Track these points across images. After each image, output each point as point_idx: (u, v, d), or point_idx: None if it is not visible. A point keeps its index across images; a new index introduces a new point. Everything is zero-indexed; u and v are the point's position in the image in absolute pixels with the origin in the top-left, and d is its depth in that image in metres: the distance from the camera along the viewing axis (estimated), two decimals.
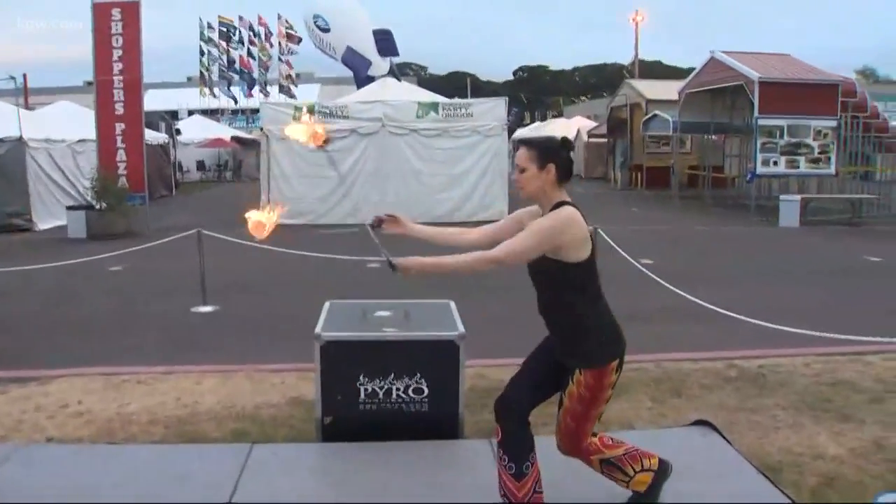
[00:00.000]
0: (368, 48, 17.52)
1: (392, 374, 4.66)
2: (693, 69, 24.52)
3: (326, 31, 18.18)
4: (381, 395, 4.69)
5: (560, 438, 3.72)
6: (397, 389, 4.68)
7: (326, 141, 4.14)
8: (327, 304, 5.30)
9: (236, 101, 46.64)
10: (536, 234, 3.37)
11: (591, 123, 40.48)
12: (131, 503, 4.06)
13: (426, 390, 4.67)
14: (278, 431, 5.22)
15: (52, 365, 6.89)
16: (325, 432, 4.76)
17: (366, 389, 4.68)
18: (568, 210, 3.42)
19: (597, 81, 72.65)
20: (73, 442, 5.12)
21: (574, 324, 3.56)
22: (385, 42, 17.73)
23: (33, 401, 5.93)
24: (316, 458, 4.71)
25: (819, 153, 19.65)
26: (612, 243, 8.64)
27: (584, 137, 37.80)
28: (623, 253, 8.69)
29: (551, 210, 3.49)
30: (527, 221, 3.56)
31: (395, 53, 17.99)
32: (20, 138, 17.55)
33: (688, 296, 7.76)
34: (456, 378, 4.67)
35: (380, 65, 17.60)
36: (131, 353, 7.33)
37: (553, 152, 3.49)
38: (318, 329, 4.76)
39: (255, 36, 46.46)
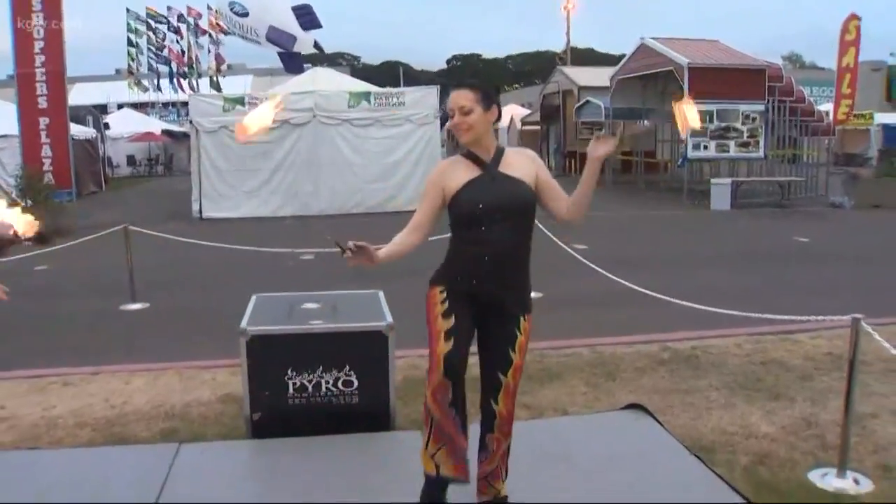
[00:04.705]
0: (290, 25, 17.26)
1: (320, 368, 4.58)
2: (624, 56, 24.74)
3: (245, 15, 17.83)
4: (310, 389, 4.60)
5: (507, 403, 3.61)
6: (326, 382, 4.60)
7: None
8: (254, 298, 5.21)
9: (163, 93, 45.69)
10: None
11: (525, 111, 40.61)
12: None
13: (356, 382, 4.61)
14: (208, 429, 5.09)
15: None
16: (254, 429, 4.66)
17: (294, 384, 4.59)
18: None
19: (530, 69, 72.97)
20: None
21: (526, 267, 3.55)
22: (306, 17, 17.46)
23: None
24: (245, 455, 4.61)
25: (748, 137, 19.98)
26: (544, 229, 8.64)
27: (518, 125, 37.89)
28: (555, 239, 8.69)
29: (496, 155, 3.49)
30: (446, 188, 3.48)
31: (319, 26, 17.73)
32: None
33: (621, 280, 7.79)
34: (386, 369, 4.61)
35: (304, 39, 17.32)
36: (58, 354, 7.09)
37: (495, 94, 3.48)
38: (243, 323, 4.65)
39: (184, 27, 45.55)
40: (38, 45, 17.64)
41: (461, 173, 3.48)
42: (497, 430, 3.63)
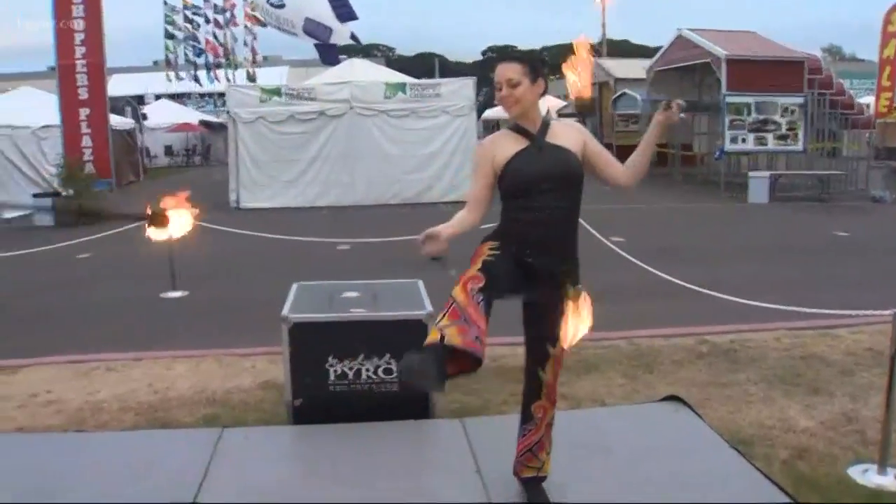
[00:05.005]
0: (327, 16, 17.34)
1: (361, 355, 4.63)
2: (661, 47, 24.54)
3: (281, 7, 17.95)
4: (350, 377, 4.65)
5: (553, 371, 3.65)
6: (367, 370, 4.65)
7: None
8: (295, 287, 5.25)
9: (201, 84, 46.02)
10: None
11: (560, 102, 40.42)
12: (100, 490, 4.02)
13: (396, 370, 4.64)
14: (249, 415, 5.17)
15: (19, 354, 6.77)
16: (295, 415, 4.72)
17: (335, 371, 4.64)
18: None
19: (566, 60, 72.45)
20: (44, 431, 5.05)
21: (575, 239, 3.57)
22: (342, 8, 17.52)
23: (1, 391, 5.83)
24: (287, 440, 4.68)
25: (787, 130, 19.73)
26: (581, 221, 8.63)
27: (554, 116, 37.66)
28: (593, 231, 8.69)
29: (542, 127, 3.51)
30: (495, 159, 3.49)
31: (354, 17, 17.79)
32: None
33: (659, 272, 7.79)
34: None
35: (341, 31, 17.39)
36: (101, 341, 7.21)
37: (541, 66, 3.49)
38: (285, 311, 4.71)
39: (220, 18, 45.81)
40: (79, 38, 17.88)
41: (509, 145, 3.50)
42: (544, 398, 3.68)
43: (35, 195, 17.20)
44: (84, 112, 18.04)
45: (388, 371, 4.64)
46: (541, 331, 3.62)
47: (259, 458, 4.38)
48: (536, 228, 3.44)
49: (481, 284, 3.21)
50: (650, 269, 7.81)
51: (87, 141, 18.02)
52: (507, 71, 3.42)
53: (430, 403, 4.75)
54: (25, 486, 4.05)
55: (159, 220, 3.32)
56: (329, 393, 4.67)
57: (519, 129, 3.53)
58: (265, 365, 6.17)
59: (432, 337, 3.13)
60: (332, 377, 4.65)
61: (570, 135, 3.55)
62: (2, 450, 4.61)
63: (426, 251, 3.33)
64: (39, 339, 7.47)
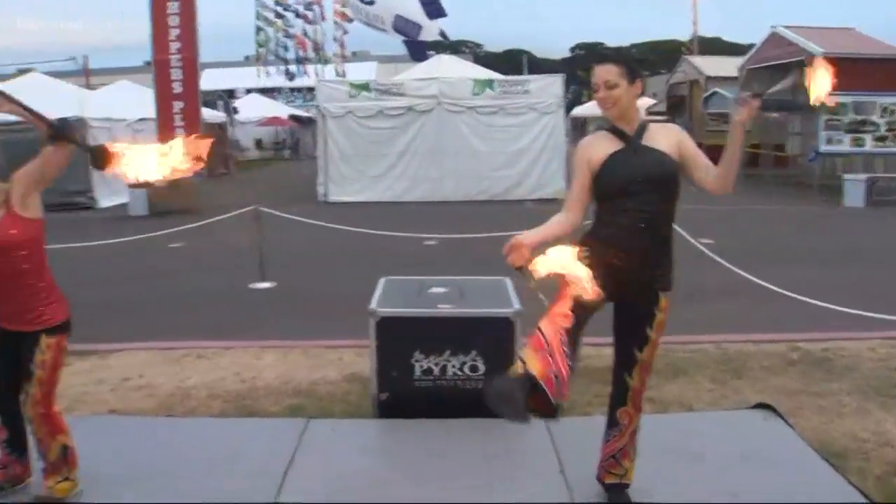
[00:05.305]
0: (416, 13, 17.45)
1: (448, 351, 4.65)
2: (753, 45, 23.97)
3: (371, 3, 18.13)
4: (436, 372, 4.67)
5: (641, 377, 3.60)
6: (453, 366, 4.66)
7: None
8: (382, 281, 5.30)
9: (292, 79, 46.76)
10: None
11: (650, 101, 39.86)
12: (186, 475, 4.13)
13: (482, 368, 4.65)
14: (335, 407, 5.24)
15: (114, 339, 7.00)
16: (380, 408, 4.77)
17: (421, 366, 4.67)
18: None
19: (655, 58, 71.50)
20: (135, 414, 5.22)
21: (668, 243, 3.54)
22: (432, 5, 17.61)
23: (95, 374, 6.04)
24: (372, 433, 4.73)
25: (886, 131, 19.07)
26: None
27: (643, 115, 37.21)
28: (682, 231, 8.53)
29: (639, 129, 3.49)
30: (591, 161, 3.48)
31: (444, 14, 17.86)
32: (81, 118, 17.82)
33: (749, 276, 7.60)
34: (512, 356, 4.60)
35: (430, 28, 17.49)
36: (192, 329, 7.41)
37: (639, 67, 3.50)
38: (372, 305, 4.76)
39: (311, 14, 46.43)
40: (174, 33, 18.35)
41: (605, 147, 3.49)
42: (630, 403, 3.64)
43: (130, 185, 17.72)
44: (178, 105, 18.51)
45: (473, 368, 4.64)
46: (629, 335, 3.59)
47: (344, 450, 4.44)
48: (629, 232, 3.41)
49: (570, 325, 3.22)
50: (740, 271, 7.63)
51: (179, 133, 18.47)
52: (605, 73, 3.41)
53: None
54: (116, 468, 4.18)
55: (101, 156, 3.21)
56: (414, 388, 4.70)
57: (615, 131, 3.51)
58: (352, 357, 6.24)
59: (517, 367, 3.20)
60: (417, 372, 4.68)
61: (666, 137, 3.51)
62: (95, 431, 4.75)
63: (511, 261, 3.33)
64: (132, 325, 7.70)
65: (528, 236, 3.37)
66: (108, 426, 4.95)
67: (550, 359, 3.10)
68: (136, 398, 5.54)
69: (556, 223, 3.53)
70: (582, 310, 3.24)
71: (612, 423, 3.69)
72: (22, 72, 27.97)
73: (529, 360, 3.13)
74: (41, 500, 3.75)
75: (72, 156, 3.51)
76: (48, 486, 3.75)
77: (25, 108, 3.37)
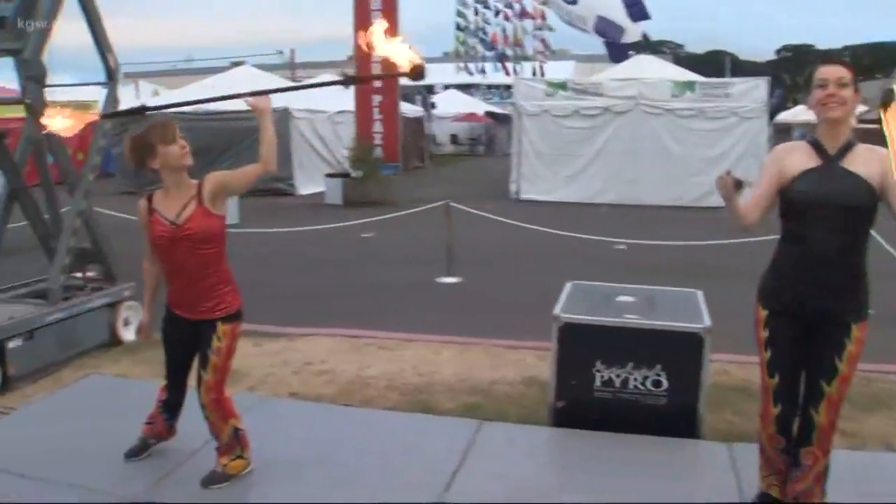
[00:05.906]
0: (619, 15, 17.11)
1: (630, 364, 4.44)
2: None
3: (573, 3, 17.92)
4: (617, 384, 4.48)
5: (829, 414, 3.34)
6: (635, 380, 4.45)
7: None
8: (569, 285, 5.16)
9: (486, 76, 47.23)
10: None
11: (862, 108, 37.35)
12: (359, 466, 4.17)
13: (665, 383, 4.41)
14: (510, 409, 5.17)
15: (301, 323, 7.23)
16: (556, 416, 4.64)
17: (602, 376, 4.49)
18: None
19: (870, 62, 67.03)
20: (315, 399, 5.35)
21: (858, 271, 3.26)
22: (635, 7, 17.19)
23: (282, 356, 6.25)
24: (545, 441, 4.60)
25: None
26: (876, 236, 7.84)
27: (853, 123, 35.03)
28: (888, 247, 7.88)
29: (843, 147, 3.26)
30: (782, 172, 3.29)
31: (647, 17, 17.40)
32: (286, 109, 18.63)
33: None
34: (698, 373, 4.37)
35: (632, 30, 17.11)
36: (375, 318, 7.54)
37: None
38: (557, 310, 4.63)
39: (510, 11, 46.67)
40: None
41: (800, 160, 3.28)
42: (816, 443, 3.36)
43: (327, 175, 18.42)
44: (377, 99, 19.02)
45: (656, 383, 4.42)
46: (817, 367, 3.34)
47: (515, 454, 4.36)
48: (809, 266, 3.23)
49: (783, 446, 3.44)
50: None
51: (377, 126, 18.98)
52: (838, 70, 3.22)
53: (698, 421, 4.48)
54: (291, 451, 4.30)
55: None
56: (593, 398, 4.53)
57: (816, 146, 3.28)
58: (532, 360, 6.15)
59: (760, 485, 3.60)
60: (597, 382, 4.51)
61: (869, 160, 3.22)
62: (276, 413, 4.95)
63: (723, 196, 3.28)
64: (322, 311, 7.93)
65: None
66: (289, 409, 5.11)
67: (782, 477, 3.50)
68: (318, 383, 5.68)
69: (744, 207, 3.33)
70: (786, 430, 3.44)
71: (795, 462, 3.41)
72: (235, 64, 29.72)
73: (767, 482, 3.56)
74: (215, 476, 3.92)
75: (258, 180, 3.92)
76: (222, 464, 3.95)
77: None
